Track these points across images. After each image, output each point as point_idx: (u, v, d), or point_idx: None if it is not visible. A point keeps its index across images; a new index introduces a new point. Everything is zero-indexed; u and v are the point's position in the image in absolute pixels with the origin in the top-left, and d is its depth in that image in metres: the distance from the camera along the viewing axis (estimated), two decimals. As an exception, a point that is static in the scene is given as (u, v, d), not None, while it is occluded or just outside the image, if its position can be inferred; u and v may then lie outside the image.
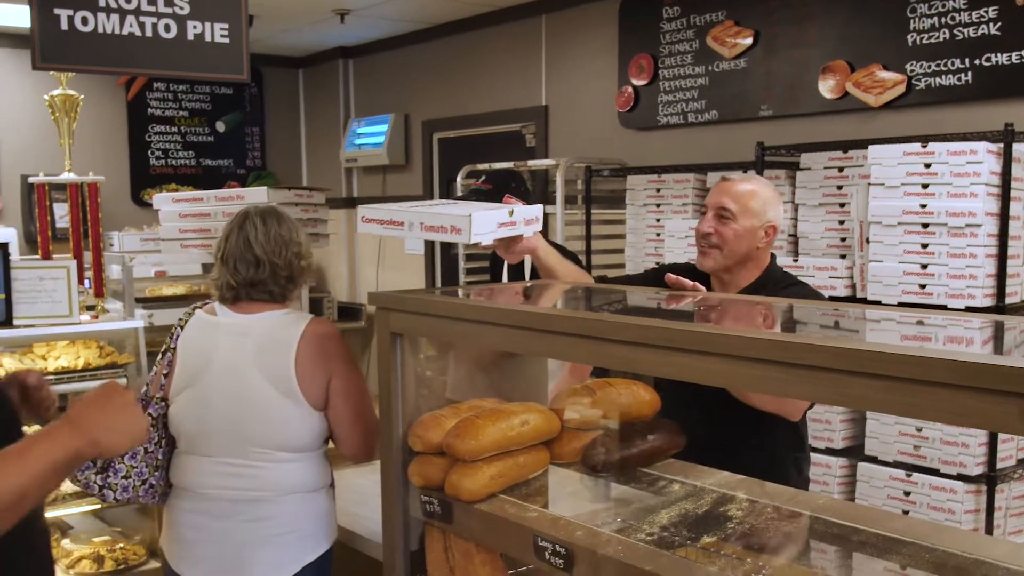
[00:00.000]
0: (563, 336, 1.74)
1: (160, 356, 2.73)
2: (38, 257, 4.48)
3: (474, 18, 6.40)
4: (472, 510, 1.96)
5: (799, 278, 2.93)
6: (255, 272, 2.63)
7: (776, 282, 2.74)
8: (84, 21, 3.98)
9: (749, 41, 4.83)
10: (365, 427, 2.59)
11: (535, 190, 6.17)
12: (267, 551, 2.54)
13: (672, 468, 2.10)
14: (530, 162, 5.76)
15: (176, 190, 7.28)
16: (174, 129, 7.69)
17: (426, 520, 2.11)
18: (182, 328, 2.71)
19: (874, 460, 3.77)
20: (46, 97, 4.52)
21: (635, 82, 5.41)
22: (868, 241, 3.78)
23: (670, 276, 2.53)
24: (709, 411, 2.51)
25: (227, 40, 4.25)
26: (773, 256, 2.83)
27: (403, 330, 2.11)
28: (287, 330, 2.59)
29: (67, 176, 4.44)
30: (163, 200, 4.95)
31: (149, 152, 7.58)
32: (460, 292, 2.58)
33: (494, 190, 3.07)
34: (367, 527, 2.79)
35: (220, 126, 7.90)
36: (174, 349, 2.69)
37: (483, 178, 3.26)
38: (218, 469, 2.57)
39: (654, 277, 2.92)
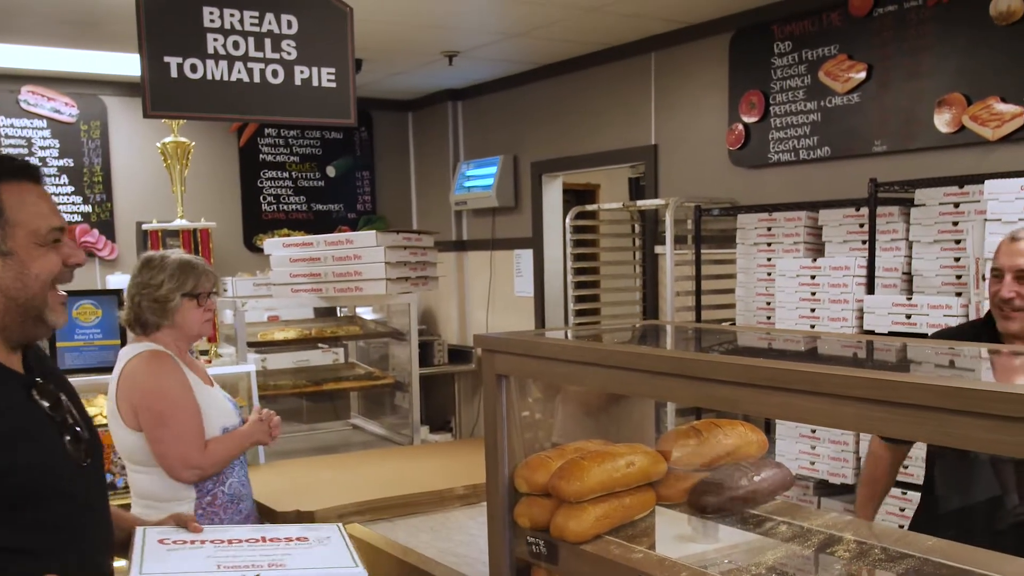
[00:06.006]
0: (666, 376, 1.74)
1: None
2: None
3: (582, 57, 6.46)
4: (578, 551, 1.96)
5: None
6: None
7: None
8: (193, 68, 4.03)
9: (862, 75, 4.75)
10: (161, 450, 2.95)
11: (645, 231, 6.17)
12: None
13: (780, 509, 2.07)
14: (639, 202, 5.76)
15: (288, 235, 7.38)
16: (285, 174, 7.84)
17: (532, 561, 2.11)
18: None
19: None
20: (158, 145, 4.69)
21: (746, 119, 5.37)
22: (984, 278, 3.66)
23: None
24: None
25: (334, 84, 4.30)
26: None
27: (508, 372, 2.13)
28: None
29: (179, 223, 4.60)
30: (274, 245, 5.08)
31: (261, 197, 7.73)
32: (567, 333, 2.60)
33: None
34: (475, 568, 2.81)
35: (331, 171, 8.04)
36: None
37: None
38: None
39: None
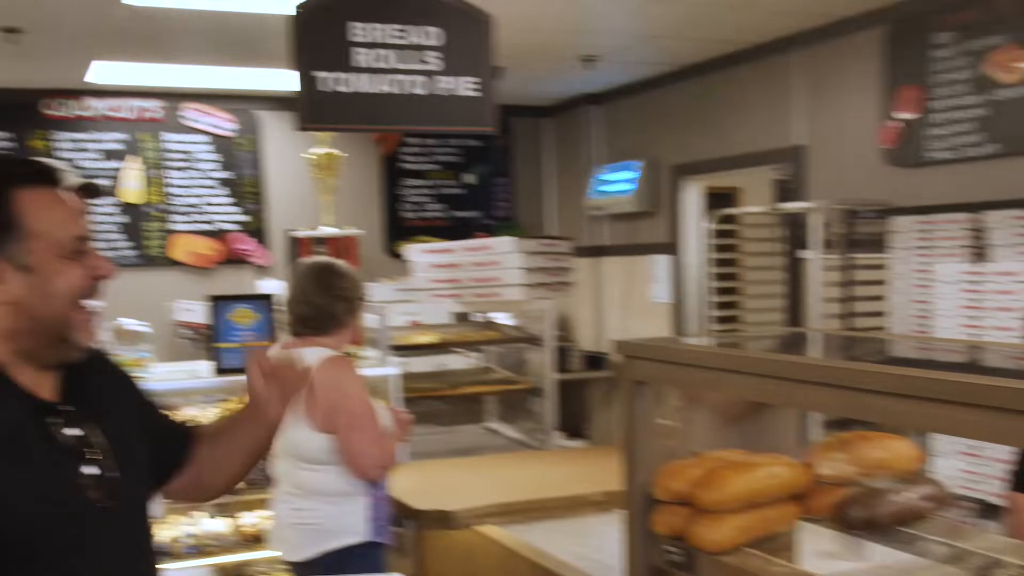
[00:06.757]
0: (812, 385, 1.66)
1: None
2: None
3: (723, 57, 6.31)
4: (715, 562, 1.91)
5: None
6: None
7: None
8: (342, 82, 4.12)
9: (1034, 66, 4.47)
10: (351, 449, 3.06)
11: (791, 235, 5.99)
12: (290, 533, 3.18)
13: (934, 528, 1.94)
14: (787, 204, 5.60)
15: (427, 242, 7.39)
16: (425, 183, 7.91)
17: (667, 569, 2.07)
18: None
19: None
20: (311, 155, 4.80)
21: (901, 116, 5.14)
22: None
23: None
24: None
25: (476, 93, 4.32)
26: None
27: (646, 378, 2.10)
28: None
29: (328, 230, 4.71)
30: (415, 252, 5.17)
31: (402, 205, 7.83)
32: (707, 340, 2.53)
33: None
34: (609, 574, 2.77)
35: (469, 178, 8.08)
36: None
37: None
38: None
39: None
